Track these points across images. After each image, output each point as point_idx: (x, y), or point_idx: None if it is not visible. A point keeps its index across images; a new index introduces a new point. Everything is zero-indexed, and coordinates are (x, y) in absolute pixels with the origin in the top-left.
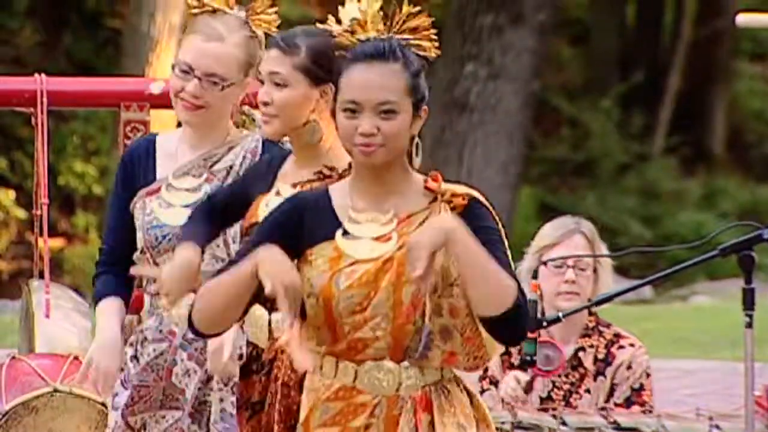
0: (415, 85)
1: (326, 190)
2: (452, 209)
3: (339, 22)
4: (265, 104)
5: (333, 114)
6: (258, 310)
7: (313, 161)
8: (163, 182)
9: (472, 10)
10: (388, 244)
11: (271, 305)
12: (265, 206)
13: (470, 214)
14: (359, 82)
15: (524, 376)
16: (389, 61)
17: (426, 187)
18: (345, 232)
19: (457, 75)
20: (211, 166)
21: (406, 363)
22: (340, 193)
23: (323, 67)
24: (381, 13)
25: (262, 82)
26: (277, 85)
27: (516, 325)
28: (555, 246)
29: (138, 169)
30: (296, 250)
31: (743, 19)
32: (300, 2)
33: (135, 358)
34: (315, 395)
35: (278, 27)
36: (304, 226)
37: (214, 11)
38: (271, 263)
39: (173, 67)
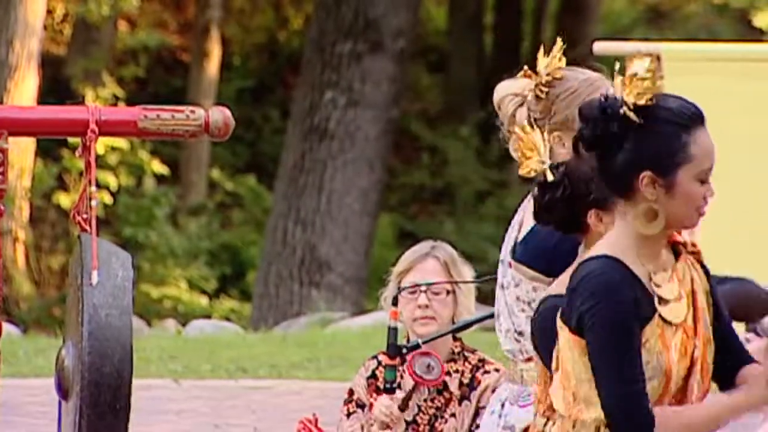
0: None
1: (621, 263)
2: (696, 260)
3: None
4: None
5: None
6: None
7: None
8: None
9: (330, 37)
10: (683, 302)
11: None
12: None
13: (703, 264)
14: (713, 149)
15: (399, 393)
16: None
17: (670, 240)
18: (660, 300)
19: (316, 102)
20: None
21: None
22: (631, 260)
23: None
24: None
25: None
26: None
27: None
28: (409, 271)
29: None
30: None
31: (600, 47)
32: (159, 30)
33: None
34: None
35: (134, 54)
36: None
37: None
38: None
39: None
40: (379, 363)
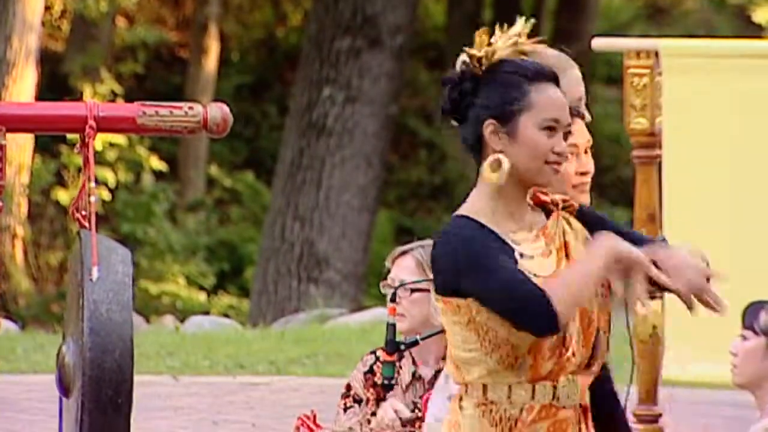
0: None
1: (475, 221)
2: (570, 213)
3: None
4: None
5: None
6: None
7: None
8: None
9: (329, 33)
10: (551, 257)
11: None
12: None
13: (583, 213)
14: (559, 102)
15: (406, 413)
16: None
17: (537, 202)
18: (521, 255)
19: (314, 98)
20: None
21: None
22: (487, 219)
23: None
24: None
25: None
26: None
27: None
28: (392, 266)
29: None
30: None
31: (598, 43)
32: (157, 26)
33: None
34: (506, 424)
35: (132, 50)
36: None
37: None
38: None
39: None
40: (377, 358)
